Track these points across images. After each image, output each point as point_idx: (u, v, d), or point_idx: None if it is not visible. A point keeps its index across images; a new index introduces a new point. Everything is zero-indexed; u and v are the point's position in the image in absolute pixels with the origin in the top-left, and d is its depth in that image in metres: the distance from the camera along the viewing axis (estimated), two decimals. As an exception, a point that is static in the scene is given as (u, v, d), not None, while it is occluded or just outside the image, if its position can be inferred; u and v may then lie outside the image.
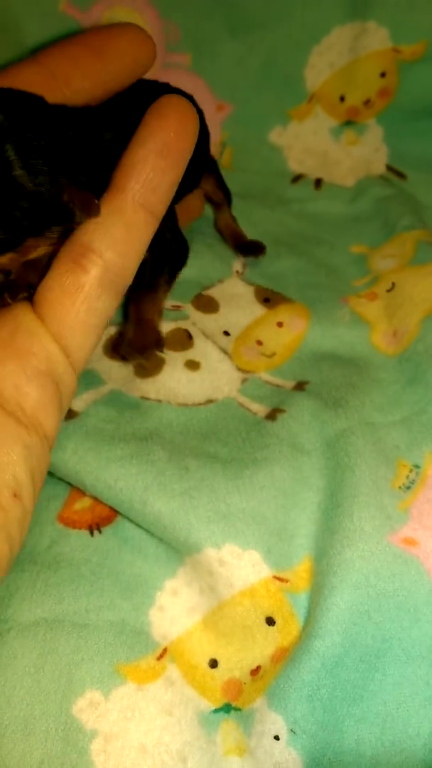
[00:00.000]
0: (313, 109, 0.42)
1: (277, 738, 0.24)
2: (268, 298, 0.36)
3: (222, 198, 0.37)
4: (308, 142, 0.42)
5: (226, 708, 0.25)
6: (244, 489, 0.28)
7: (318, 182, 0.42)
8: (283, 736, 0.24)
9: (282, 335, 0.35)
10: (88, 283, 0.20)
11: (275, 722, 0.24)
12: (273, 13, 0.38)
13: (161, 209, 0.21)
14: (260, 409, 0.32)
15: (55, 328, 0.20)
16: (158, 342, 0.31)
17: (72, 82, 0.24)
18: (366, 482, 0.28)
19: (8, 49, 0.36)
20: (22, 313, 0.20)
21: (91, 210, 0.20)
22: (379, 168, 0.43)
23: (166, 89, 0.29)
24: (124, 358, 0.32)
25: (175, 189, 0.21)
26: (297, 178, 0.42)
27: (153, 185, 0.20)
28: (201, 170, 0.34)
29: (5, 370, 0.19)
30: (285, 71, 0.40)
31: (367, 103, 0.41)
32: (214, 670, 0.26)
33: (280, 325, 0.35)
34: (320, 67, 0.40)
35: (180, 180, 0.21)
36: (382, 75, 0.40)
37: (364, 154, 0.43)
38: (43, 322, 0.20)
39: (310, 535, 0.28)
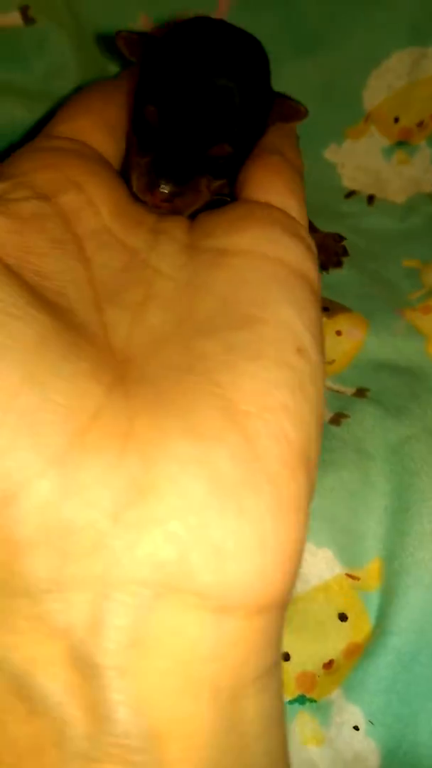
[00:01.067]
0: (368, 128, 0.43)
1: (356, 728, 0.25)
2: (327, 307, 0.37)
3: None
4: (361, 160, 0.44)
5: (301, 699, 0.26)
6: (315, 490, 0.29)
7: (371, 198, 0.43)
8: (362, 727, 0.25)
9: (341, 343, 0.36)
10: None
11: (354, 713, 0.25)
12: (336, 36, 0.40)
13: None
14: (324, 412, 0.33)
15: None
16: None
17: None
18: (433, 487, 0.29)
19: (91, 64, 0.37)
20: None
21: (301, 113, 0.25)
22: (428, 188, 0.44)
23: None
24: None
25: None
26: (350, 194, 0.43)
27: None
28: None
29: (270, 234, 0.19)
30: (344, 91, 0.42)
31: (420, 125, 0.43)
32: (286, 663, 0.27)
33: (339, 333, 0.36)
34: (378, 89, 0.42)
35: None
36: (438, 99, 0.41)
37: (413, 174, 0.44)
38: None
39: (378, 536, 0.29)
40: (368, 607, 0.27)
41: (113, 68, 0.39)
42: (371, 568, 0.28)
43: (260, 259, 0.18)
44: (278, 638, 0.15)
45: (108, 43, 0.38)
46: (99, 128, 0.23)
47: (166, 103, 0.23)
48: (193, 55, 0.23)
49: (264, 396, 0.16)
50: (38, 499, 0.13)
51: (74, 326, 0.15)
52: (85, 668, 0.13)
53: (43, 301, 0.15)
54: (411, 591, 0.26)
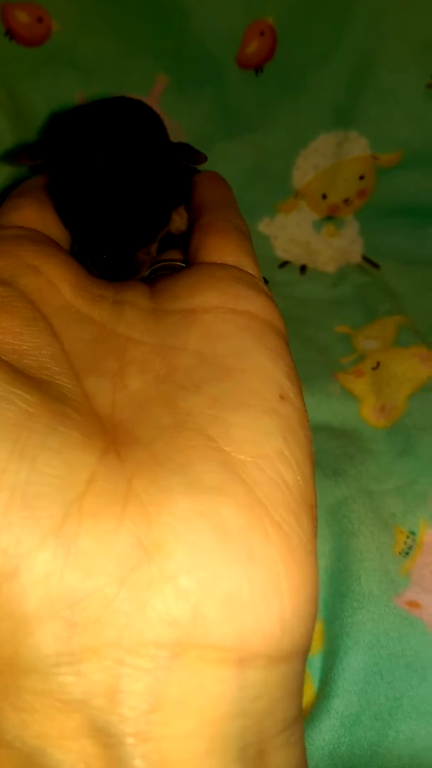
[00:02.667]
0: (297, 204, 0.46)
1: (302, 797, 0.24)
2: (264, 374, 0.39)
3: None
4: (293, 233, 0.46)
5: None
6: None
7: (303, 268, 0.45)
8: (308, 796, 0.25)
9: (279, 408, 0.37)
10: None
11: (300, 781, 0.25)
12: (267, 119, 0.43)
13: None
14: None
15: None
16: None
17: None
18: (370, 548, 0.30)
19: (29, 140, 0.39)
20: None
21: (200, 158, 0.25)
22: (356, 258, 0.47)
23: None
24: None
25: None
26: (284, 264, 0.46)
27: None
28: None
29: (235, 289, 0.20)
30: (274, 170, 0.44)
31: (346, 201, 0.45)
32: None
33: (276, 398, 0.38)
34: (306, 168, 0.44)
35: None
36: (361, 178, 0.44)
37: (342, 245, 0.47)
38: None
39: (320, 598, 0.29)
40: (311, 671, 0.27)
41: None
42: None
43: (229, 313, 0.19)
44: (300, 687, 0.15)
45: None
46: (45, 215, 0.24)
47: (78, 210, 0.24)
48: (89, 153, 0.24)
49: (257, 444, 0.16)
50: (40, 571, 0.13)
51: (60, 398, 0.16)
52: (104, 738, 0.13)
53: (26, 377, 0.15)
54: (351, 653, 0.27)
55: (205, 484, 0.15)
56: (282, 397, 0.17)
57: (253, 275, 0.21)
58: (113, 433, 0.16)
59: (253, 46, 0.40)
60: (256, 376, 0.17)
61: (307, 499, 0.16)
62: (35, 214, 0.23)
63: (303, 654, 0.15)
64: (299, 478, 0.16)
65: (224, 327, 0.19)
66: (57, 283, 0.19)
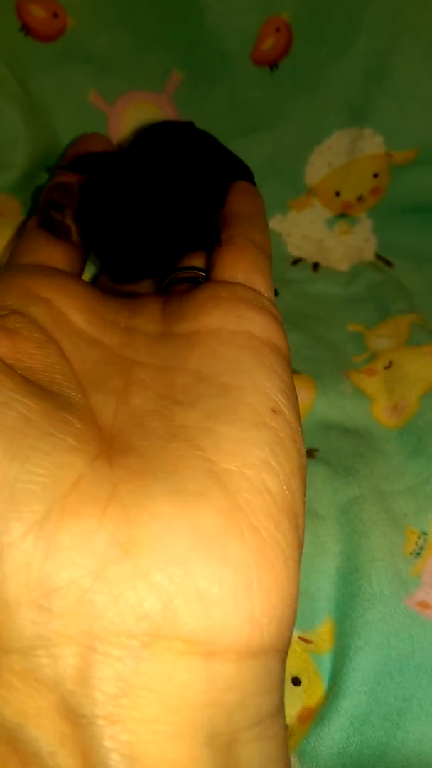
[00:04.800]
0: (310, 201, 0.45)
1: (310, 796, 0.25)
2: (276, 372, 0.39)
3: None
4: (306, 230, 0.46)
5: None
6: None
7: (315, 266, 0.45)
8: (317, 795, 0.25)
9: (290, 406, 0.37)
10: None
11: (308, 781, 0.25)
12: (281, 116, 0.42)
13: None
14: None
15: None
16: None
17: None
18: (381, 548, 0.30)
19: (43, 136, 0.39)
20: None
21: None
22: (369, 256, 0.47)
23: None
24: None
25: None
26: (296, 262, 0.45)
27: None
28: None
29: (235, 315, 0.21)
30: (287, 167, 0.44)
31: (360, 199, 0.45)
32: (240, 731, 0.27)
33: (287, 396, 0.37)
34: (319, 166, 0.44)
35: None
36: (375, 176, 0.44)
37: (355, 243, 0.46)
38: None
39: (330, 597, 0.29)
40: (321, 671, 0.27)
41: (65, 140, 0.40)
42: (323, 630, 0.28)
43: (230, 335, 0.20)
44: (278, 684, 0.16)
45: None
46: (54, 250, 0.24)
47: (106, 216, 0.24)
48: (132, 198, 0.24)
49: (244, 454, 0.17)
50: (21, 561, 0.14)
51: (65, 407, 0.17)
52: (76, 718, 0.14)
53: (32, 385, 0.17)
54: (361, 653, 0.27)
55: (187, 489, 0.15)
56: (274, 411, 0.18)
57: (259, 293, 0.22)
58: (110, 442, 0.17)
59: (268, 43, 0.40)
60: (251, 392, 0.18)
61: (291, 508, 0.17)
62: (50, 253, 0.25)
63: (276, 653, 0.15)
64: (284, 487, 0.17)
65: (224, 348, 0.19)
66: (67, 312, 0.20)
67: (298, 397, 0.38)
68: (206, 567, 0.15)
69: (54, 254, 0.25)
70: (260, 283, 0.22)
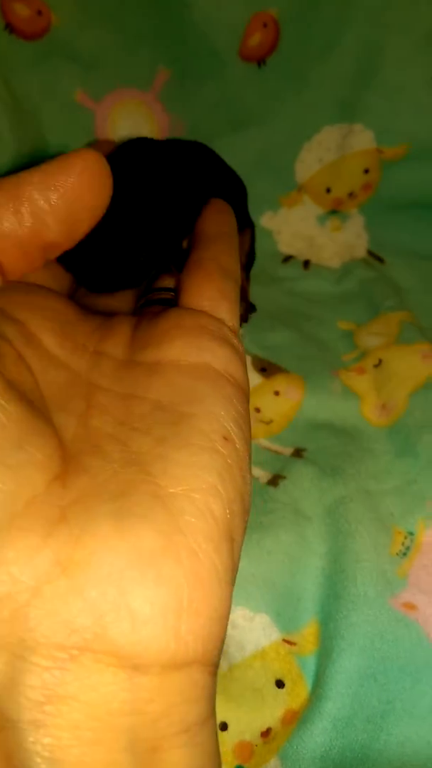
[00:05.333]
0: (301, 198, 0.45)
1: (292, 799, 0.25)
2: (265, 368, 0.38)
3: (243, 262, 0.38)
4: (296, 227, 0.46)
5: (239, 771, 0.26)
6: (253, 554, 0.29)
7: (306, 263, 0.45)
8: (299, 798, 0.25)
9: (279, 404, 0.37)
10: None
11: (290, 784, 0.25)
12: (270, 112, 0.42)
13: None
14: (262, 474, 0.33)
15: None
16: None
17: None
18: (367, 548, 0.30)
19: (28, 136, 0.38)
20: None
21: None
22: (361, 252, 0.46)
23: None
24: None
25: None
26: (287, 259, 0.45)
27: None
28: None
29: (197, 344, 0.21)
30: (277, 163, 0.44)
31: (351, 195, 0.45)
32: (224, 733, 0.27)
33: (276, 393, 0.37)
34: (309, 162, 0.44)
35: None
36: (366, 171, 0.44)
37: (347, 239, 0.46)
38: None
39: (315, 598, 0.29)
40: (305, 672, 0.27)
41: (51, 139, 0.40)
42: (308, 632, 0.28)
43: (190, 367, 0.20)
44: (205, 695, 0.16)
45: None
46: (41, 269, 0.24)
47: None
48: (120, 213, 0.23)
49: (191, 478, 0.17)
50: None
51: (39, 420, 0.17)
52: (2, 721, 0.14)
53: (13, 390, 0.17)
54: (345, 655, 0.26)
55: (131, 511, 0.16)
56: (225, 439, 0.18)
57: (223, 322, 0.22)
58: (68, 462, 0.17)
59: (255, 39, 0.40)
60: (204, 419, 0.19)
61: (231, 533, 0.17)
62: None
63: (202, 666, 0.16)
64: (227, 512, 0.17)
65: (182, 379, 0.20)
66: (40, 334, 0.20)
67: (287, 396, 0.38)
68: (140, 586, 0.15)
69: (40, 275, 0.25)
70: (225, 312, 0.23)
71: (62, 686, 0.14)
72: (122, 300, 0.27)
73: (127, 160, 0.25)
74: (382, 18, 0.39)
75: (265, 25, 0.39)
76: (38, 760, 0.14)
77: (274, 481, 0.33)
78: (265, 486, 0.33)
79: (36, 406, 0.18)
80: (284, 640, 0.28)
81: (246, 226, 0.39)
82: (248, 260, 0.40)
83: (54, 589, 0.15)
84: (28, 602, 0.14)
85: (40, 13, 0.38)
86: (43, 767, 0.14)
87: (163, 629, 0.15)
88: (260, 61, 0.40)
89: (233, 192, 0.36)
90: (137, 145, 0.27)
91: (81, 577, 0.15)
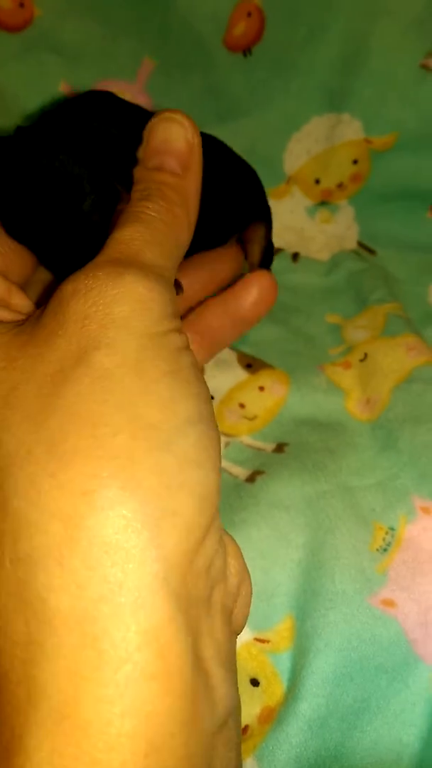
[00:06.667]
0: (290, 189, 0.45)
1: (265, 799, 0.24)
2: (251, 364, 0.38)
3: (257, 259, 0.33)
4: (286, 220, 0.45)
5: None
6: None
7: (295, 256, 0.45)
8: (271, 797, 0.24)
9: (263, 399, 0.37)
10: None
11: (264, 783, 0.25)
12: (257, 102, 0.42)
13: None
14: (241, 472, 0.33)
15: None
16: None
17: None
18: (346, 545, 0.29)
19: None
20: None
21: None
22: (351, 244, 0.46)
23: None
24: None
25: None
26: (276, 252, 0.45)
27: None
28: (243, 217, 0.32)
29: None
30: (265, 155, 0.43)
31: (340, 186, 0.44)
32: (199, 731, 0.26)
33: (261, 389, 0.37)
34: (298, 153, 0.43)
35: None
36: (355, 162, 0.43)
37: (337, 231, 0.46)
38: None
39: (291, 593, 0.29)
40: (279, 670, 0.27)
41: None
42: (282, 628, 0.28)
43: None
44: None
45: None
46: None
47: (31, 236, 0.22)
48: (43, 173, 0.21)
49: None
50: None
51: None
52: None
53: None
54: (321, 655, 0.26)
55: None
56: None
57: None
58: None
59: (240, 28, 0.39)
60: None
61: None
62: None
63: None
64: None
65: None
66: None
67: (272, 392, 0.37)
68: None
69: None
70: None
71: None
72: None
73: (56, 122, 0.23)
74: (369, 4, 0.38)
75: (249, 14, 0.39)
76: None
77: (252, 477, 0.33)
78: (242, 483, 0.32)
79: None
80: (256, 639, 0.27)
81: (259, 219, 0.34)
82: (264, 257, 0.34)
83: None
84: None
85: (22, 5, 0.37)
86: None
87: None
88: (246, 51, 0.40)
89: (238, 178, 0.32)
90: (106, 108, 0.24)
91: None
